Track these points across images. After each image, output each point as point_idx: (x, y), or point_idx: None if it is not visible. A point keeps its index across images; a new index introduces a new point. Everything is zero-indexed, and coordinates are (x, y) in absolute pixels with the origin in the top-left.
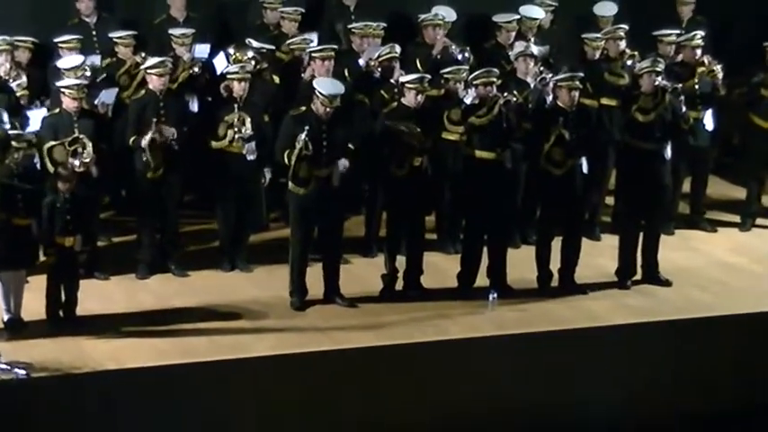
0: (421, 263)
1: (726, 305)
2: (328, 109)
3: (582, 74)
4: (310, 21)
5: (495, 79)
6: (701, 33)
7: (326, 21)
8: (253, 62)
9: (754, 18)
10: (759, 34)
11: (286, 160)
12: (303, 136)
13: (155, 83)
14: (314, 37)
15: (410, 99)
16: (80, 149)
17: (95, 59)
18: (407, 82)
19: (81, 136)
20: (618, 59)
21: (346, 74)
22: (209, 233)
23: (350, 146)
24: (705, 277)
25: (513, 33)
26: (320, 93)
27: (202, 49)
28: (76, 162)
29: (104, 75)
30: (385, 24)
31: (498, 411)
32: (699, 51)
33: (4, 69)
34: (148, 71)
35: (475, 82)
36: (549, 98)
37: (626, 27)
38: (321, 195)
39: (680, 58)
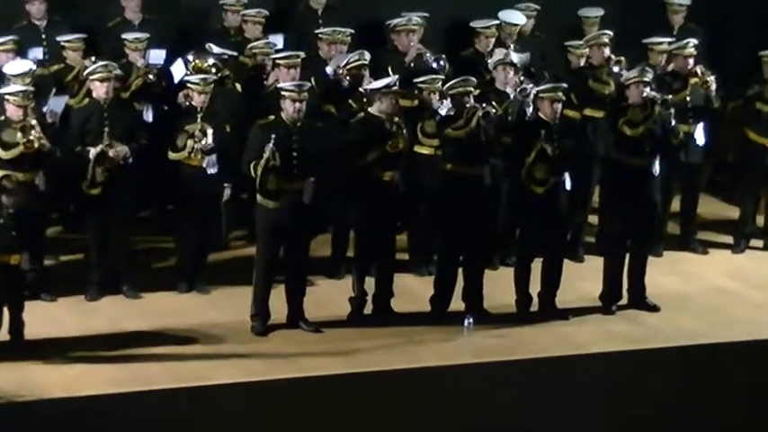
0: (391, 285)
1: (720, 334)
2: (297, 104)
3: (565, 84)
4: (275, 24)
5: (472, 89)
6: (693, 42)
7: (293, 25)
8: (213, 69)
9: (751, 26)
10: (756, 43)
11: (253, 172)
12: (271, 145)
13: (98, 90)
14: (279, 41)
15: (379, 107)
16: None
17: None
18: (376, 88)
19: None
20: (603, 66)
21: (313, 82)
22: (164, 251)
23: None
24: (697, 303)
25: (492, 40)
26: (284, 88)
27: (158, 55)
28: (20, 175)
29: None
30: (352, 31)
31: None
32: (691, 61)
33: None
34: (90, 78)
35: (451, 92)
36: (531, 110)
37: (610, 33)
38: (291, 211)
39: (671, 67)
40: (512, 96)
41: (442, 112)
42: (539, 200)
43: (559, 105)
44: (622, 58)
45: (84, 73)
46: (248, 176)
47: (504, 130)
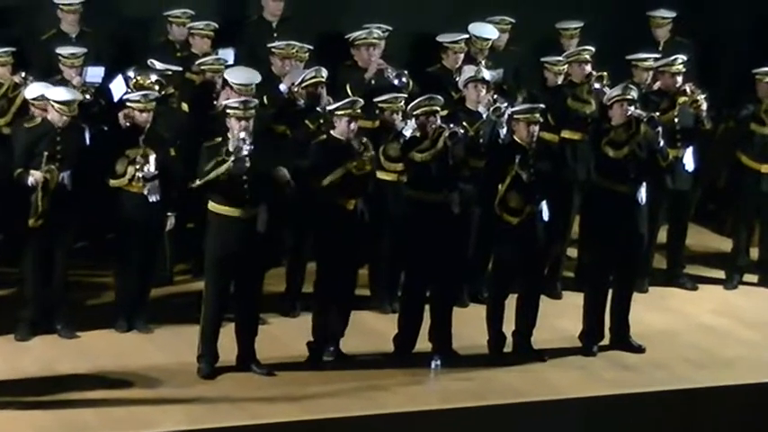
0: (346, 323)
1: (711, 377)
2: (244, 123)
3: (542, 105)
4: (225, 38)
5: (438, 108)
6: (682, 58)
7: (245, 38)
8: (157, 87)
9: (744, 41)
10: (749, 59)
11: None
12: (223, 168)
13: (53, 114)
14: (229, 56)
15: (342, 128)
16: None
17: None
18: (336, 108)
19: None
20: (583, 84)
21: (265, 101)
22: (102, 286)
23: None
24: (685, 343)
25: (461, 56)
26: (233, 83)
27: (96, 73)
28: None
29: None
30: (310, 47)
31: None
32: (679, 78)
33: None
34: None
35: (415, 112)
36: (505, 132)
37: (591, 48)
38: (242, 241)
39: (657, 86)
40: (484, 117)
41: (406, 133)
42: (513, 230)
43: (536, 128)
44: (604, 75)
45: (53, 99)
46: (198, 190)
47: (475, 154)
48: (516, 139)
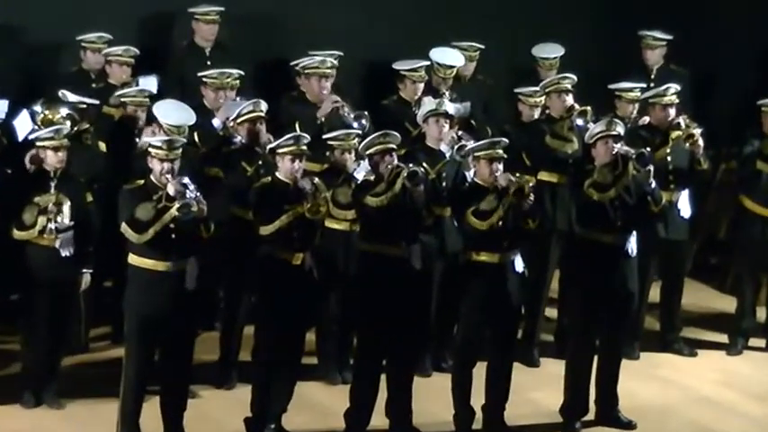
0: (290, 396)
1: None
2: (166, 165)
3: (506, 140)
4: (148, 66)
5: (395, 146)
6: (675, 87)
7: (172, 66)
8: (69, 122)
9: (746, 69)
10: (752, 89)
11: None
12: (168, 217)
13: None
14: (152, 85)
15: (285, 169)
16: None
17: None
18: (277, 146)
19: None
20: (564, 119)
21: (196, 138)
22: (6, 354)
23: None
24: (682, 419)
25: (422, 86)
26: (164, 123)
27: None
28: None
29: None
30: (242, 73)
31: None
32: (672, 111)
33: None
34: None
35: (368, 151)
36: (472, 173)
37: (573, 77)
38: (169, 301)
39: (645, 120)
40: (447, 157)
41: (358, 176)
42: (483, 285)
43: (500, 166)
44: (588, 109)
45: None
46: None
47: (437, 200)
48: (478, 180)
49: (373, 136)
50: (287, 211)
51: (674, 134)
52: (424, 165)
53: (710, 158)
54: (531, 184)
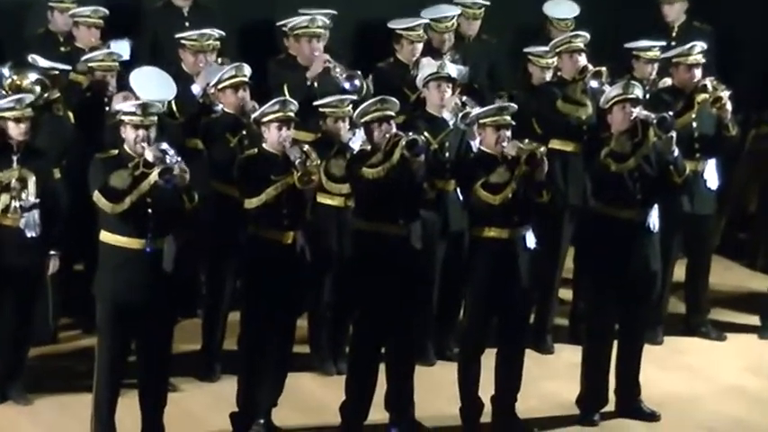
0: (281, 389)
1: None
2: (141, 133)
3: (515, 105)
4: (120, 28)
5: (392, 113)
6: (701, 45)
7: (146, 28)
8: (38, 89)
9: None
10: None
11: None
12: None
13: None
14: (124, 49)
15: (272, 138)
16: None
17: None
18: (262, 114)
19: None
20: (577, 81)
21: (173, 107)
22: None
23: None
24: (709, 410)
25: (420, 46)
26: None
27: None
28: None
29: None
30: (223, 34)
31: None
32: (698, 72)
33: None
34: None
35: (364, 119)
36: (477, 142)
37: (586, 35)
38: (146, 286)
39: (667, 82)
40: (450, 125)
41: (354, 146)
42: (489, 266)
43: (507, 133)
44: (603, 70)
45: None
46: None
47: (440, 173)
48: (484, 149)
49: (369, 102)
50: (275, 182)
51: (700, 97)
52: (425, 134)
53: (739, 124)
54: (542, 149)
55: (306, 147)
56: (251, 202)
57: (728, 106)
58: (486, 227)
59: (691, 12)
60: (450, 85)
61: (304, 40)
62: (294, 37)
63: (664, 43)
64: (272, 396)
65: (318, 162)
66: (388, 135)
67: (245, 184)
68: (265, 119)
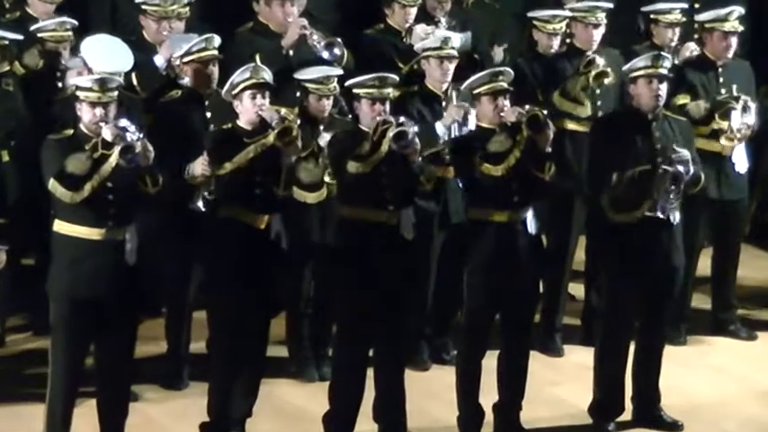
0: (255, 397)
1: None
2: (99, 111)
3: (511, 71)
4: None
5: (390, 90)
6: (739, 10)
7: None
8: None
9: None
10: None
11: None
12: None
13: None
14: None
15: (246, 110)
16: None
17: None
18: (232, 84)
19: None
20: (579, 75)
21: (134, 81)
22: None
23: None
24: (738, 417)
25: (414, 11)
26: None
27: None
28: None
29: None
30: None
31: None
32: (734, 41)
33: None
34: None
35: (356, 90)
36: (472, 118)
37: (609, 5)
38: (105, 281)
39: (694, 51)
40: (441, 140)
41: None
42: (490, 255)
43: (506, 101)
44: (609, 71)
45: None
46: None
47: (438, 159)
48: (481, 123)
49: (364, 77)
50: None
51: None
52: (420, 108)
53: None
54: (545, 112)
55: (283, 110)
56: (224, 168)
57: None
58: (483, 208)
59: None
60: (453, 63)
61: (276, 4)
62: (265, 1)
63: (686, 5)
64: (246, 405)
65: (295, 116)
66: (378, 118)
67: (215, 153)
68: (236, 90)
